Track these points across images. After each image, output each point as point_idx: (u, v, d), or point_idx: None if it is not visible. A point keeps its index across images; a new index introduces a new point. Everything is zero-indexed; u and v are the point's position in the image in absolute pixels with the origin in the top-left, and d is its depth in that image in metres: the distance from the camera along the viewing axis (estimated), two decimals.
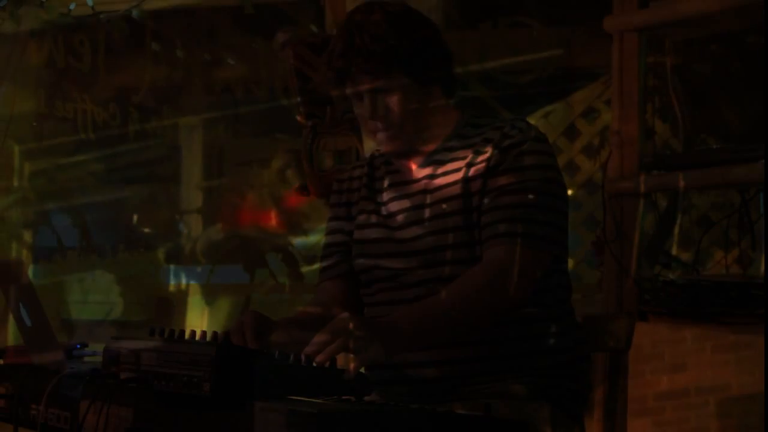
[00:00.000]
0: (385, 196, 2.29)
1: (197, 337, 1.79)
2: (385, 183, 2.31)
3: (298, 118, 3.94)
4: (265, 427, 1.56)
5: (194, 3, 5.15)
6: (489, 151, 2.18)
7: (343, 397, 1.69)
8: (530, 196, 2.13)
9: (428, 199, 2.22)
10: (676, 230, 3.68)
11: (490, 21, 4.82)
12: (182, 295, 5.69)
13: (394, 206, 2.26)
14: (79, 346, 2.33)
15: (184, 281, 5.75)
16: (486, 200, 2.15)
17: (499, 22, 4.85)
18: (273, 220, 5.58)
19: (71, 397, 1.93)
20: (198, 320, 5.54)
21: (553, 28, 4.67)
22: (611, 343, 2.41)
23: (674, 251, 3.65)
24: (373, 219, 2.29)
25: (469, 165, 2.18)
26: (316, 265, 5.62)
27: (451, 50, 2.25)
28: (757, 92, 3.21)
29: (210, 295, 5.69)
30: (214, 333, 1.81)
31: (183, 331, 1.82)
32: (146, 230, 5.84)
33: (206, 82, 5.45)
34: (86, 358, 2.30)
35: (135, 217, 5.83)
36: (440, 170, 2.22)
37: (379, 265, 2.25)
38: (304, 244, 5.53)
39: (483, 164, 2.17)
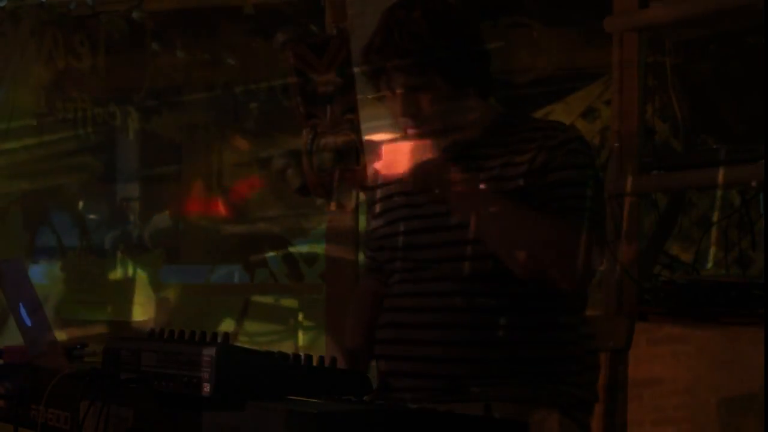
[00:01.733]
0: (407, 200, 2.29)
1: (197, 338, 1.79)
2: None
3: (298, 118, 3.94)
4: (264, 427, 1.56)
5: (194, 3, 5.14)
6: (531, 152, 2.17)
7: (343, 397, 1.69)
8: (587, 191, 2.15)
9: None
10: (676, 230, 3.68)
11: (490, 21, 4.82)
12: (181, 295, 5.69)
13: (421, 199, 2.26)
14: (79, 346, 2.33)
15: (183, 281, 5.75)
16: (539, 196, 2.14)
17: (499, 22, 4.84)
18: (221, 208, 5.60)
19: (71, 397, 1.93)
20: (197, 320, 5.53)
21: (553, 28, 4.67)
22: (611, 343, 2.41)
23: (674, 251, 3.65)
24: (401, 212, 2.29)
25: (505, 164, 2.18)
26: (316, 265, 5.63)
27: (489, 51, 2.24)
28: (757, 92, 3.20)
29: (210, 296, 5.70)
30: (214, 333, 1.81)
31: (183, 332, 1.82)
32: (92, 216, 5.84)
33: (206, 82, 5.44)
34: (86, 358, 2.30)
35: (80, 204, 5.81)
36: (472, 166, 2.22)
37: (401, 256, 2.25)
38: (304, 244, 5.53)
39: (524, 165, 2.16)
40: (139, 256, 5.77)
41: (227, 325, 5.23)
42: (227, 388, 1.63)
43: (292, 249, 5.54)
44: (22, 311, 2.16)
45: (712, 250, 3.79)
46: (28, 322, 2.16)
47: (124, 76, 5.45)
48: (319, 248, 5.13)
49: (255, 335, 4.56)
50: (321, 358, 1.79)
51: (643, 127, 3.46)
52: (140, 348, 1.78)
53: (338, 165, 3.97)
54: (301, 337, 4.73)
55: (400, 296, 2.24)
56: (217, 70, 5.38)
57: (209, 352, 1.65)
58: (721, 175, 3.22)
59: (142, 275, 5.63)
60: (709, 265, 3.73)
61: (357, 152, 3.43)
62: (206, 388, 1.63)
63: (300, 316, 5.11)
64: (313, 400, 1.62)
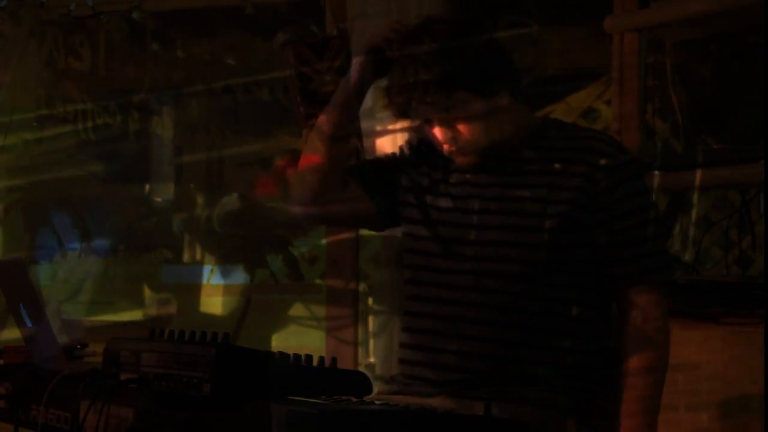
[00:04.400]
0: (451, 191, 2.26)
1: (197, 338, 1.79)
2: (452, 179, 2.27)
3: (298, 118, 3.94)
4: (264, 427, 1.56)
5: (194, 3, 5.14)
6: (583, 165, 2.16)
7: (343, 397, 1.69)
8: (658, 227, 2.23)
9: (502, 201, 2.19)
10: (676, 230, 3.68)
11: (490, 21, 4.81)
12: (182, 296, 5.69)
13: (458, 204, 2.24)
14: (79, 346, 2.33)
15: (184, 281, 5.74)
16: (612, 227, 2.16)
17: (499, 22, 4.83)
18: (274, 188, 5.56)
19: (71, 397, 1.93)
20: (198, 321, 5.54)
21: (553, 28, 4.67)
22: (611, 343, 2.40)
23: (674, 251, 3.65)
24: (432, 215, 2.26)
25: (559, 173, 2.16)
26: (317, 265, 5.60)
27: (509, 54, 2.22)
28: (757, 92, 3.20)
29: (210, 296, 5.69)
30: (214, 333, 1.81)
31: (183, 332, 1.82)
32: (158, 199, 5.81)
33: (206, 82, 5.44)
34: (86, 358, 2.30)
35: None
36: (515, 169, 2.21)
37: (430, 264, 2.23)
38: (304, 244, 5.52)
39: (578, 178, 2.15)
40: (140, 256, 5.78)
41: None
42: (227, 388, 1.63)
43: (292, 249, 5.54)
44: (22, 311, 2.16)
45: (712, 250, 3.79)
46: (28, 323, 2.16)
47: (124, 76, 5.45)
48: (319, 249, 5.13)
49: (324, 319, 4.49)
50: (321, 358, 1.80)
51: (643, 127, 3.46)
52: (140, 348, 1.78)
53: None
54: (372, 322, 4.61)
55: (437, 287, 2.22)
56: (217, 70, 5.38)
57: (209, 352, 1.65)
58: (721, 175, 3.22)
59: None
60: (709, 265, 3.73)
61: (357, 153, 3.43)
62: (206, 388, 1.63)
63: (370, 301, 5.01)
64: (313, 400, 1.62)
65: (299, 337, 4.57)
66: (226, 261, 5.68)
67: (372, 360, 4.21)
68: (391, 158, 2.39)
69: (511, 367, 2.14)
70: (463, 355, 2.15)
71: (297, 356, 1.76)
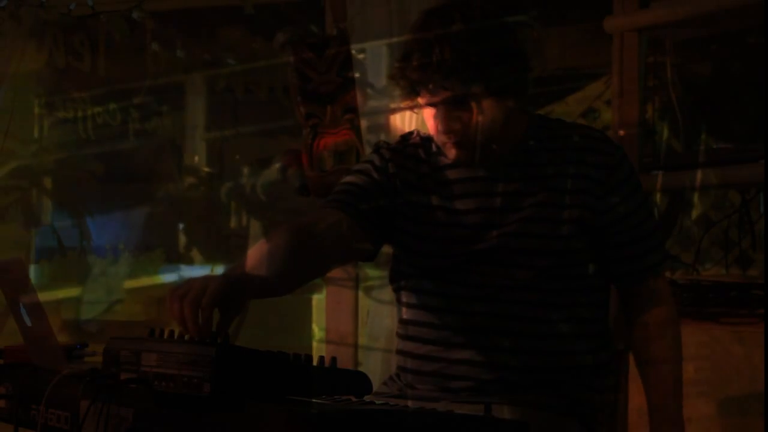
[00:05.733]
0: (452, 200, 2.23)
1: (197, 338, 1.79)
2: (449, 185, 2.25)
3: (298, 118, 3.95)
4: (264, 427, 1.56)
5: (194, 3, 5.14)
6: (586, 167, 2.16)
7: (343, 397, 1.69)
8: (656, 221, 2.26)
9: (505, 202, 2.19)
10: (676, 230, 3.68)
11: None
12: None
13: (464, 204, 2.22)
14: (79, 346, 2.33)
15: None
16: (620, 226, 2.18)
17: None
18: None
19: (71, 397, 1.93)
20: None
21: (553, 28, 4.66)
22: (610, 336, 2.41)
23: (674, 251, 3.65)
24: (439, 215, 2.24)
25: (563, 175, 2.16)
26: None
27: (528, 58, 2.20)
28: (757, 92, 3.20)
29: None
30: (214, 333, 1.81)
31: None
32: (206, 169, 5.78)
33: (206, 82, 5.45)
34: (86, 358, 2.30)
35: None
36: (517, 173, 2.20)
37: (434, 275, 2.22)
38: None
39: (583, 181, 2.15)
40: (140, 255, 5.78)
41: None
42: (227, 388, 1.63)
43: None
44: (22, 311, 2.16)
45: (712, 250, 3.78)
46: (28, 322, 2.16)
47: (124, 76, 5.45)
48: None
49: (368, 279, 4.49)
50: (321, 358, 1.79)
51: (643, 127, 3.46)
52: (140, 348, 1.77)
53: (338, 165, 3.98)
54: None
55: (442, 297, 2.21)
56: (217, 70, 5.38)
57: (209, 352, 1.65)
58: (721, 175, 3.22)
59: None
60: (709, 265, 3.72)
61: (357, 152, 3.41)
62: (206, 388, 1.63)
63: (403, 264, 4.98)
64: (313, 400, 1.62)
65: (335, 296, 4.52)
66: (271, 228, 5.64)
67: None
68: (374, 180, 2.30)
69: (517, 374, 2.13)
70: (470, 364, 2.14)
71: (297, 356, 1.76)
